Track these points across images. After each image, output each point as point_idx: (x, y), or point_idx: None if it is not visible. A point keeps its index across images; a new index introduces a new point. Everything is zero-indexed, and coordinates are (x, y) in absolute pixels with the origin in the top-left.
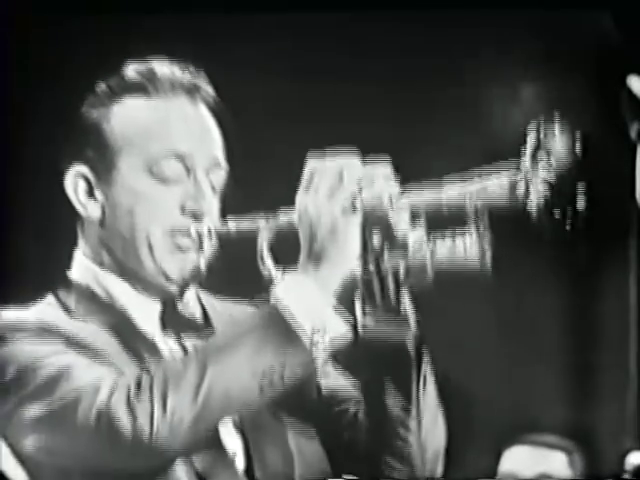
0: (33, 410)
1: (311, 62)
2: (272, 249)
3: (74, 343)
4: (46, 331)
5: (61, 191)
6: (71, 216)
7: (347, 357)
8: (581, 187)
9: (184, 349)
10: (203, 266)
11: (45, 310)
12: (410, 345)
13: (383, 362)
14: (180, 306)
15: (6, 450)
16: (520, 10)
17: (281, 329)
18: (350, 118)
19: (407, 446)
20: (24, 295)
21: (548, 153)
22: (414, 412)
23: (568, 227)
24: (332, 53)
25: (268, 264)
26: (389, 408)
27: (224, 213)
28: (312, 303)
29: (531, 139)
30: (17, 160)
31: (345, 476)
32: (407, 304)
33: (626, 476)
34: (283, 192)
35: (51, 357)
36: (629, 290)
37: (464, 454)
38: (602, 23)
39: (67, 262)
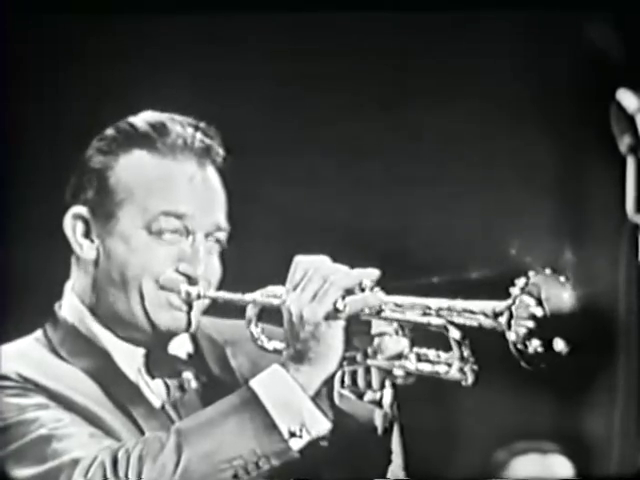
0: (14, 469)
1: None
2: (260, 319)
3: (56, 395)
4: (28, 381)
5: (56, 225)
6: (66, 250)
7: None
8: (565, 329)
9: (168, 390)
10: (192, 324)
11: (30, 348)
12: (380, 427)
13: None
14: (167, 349)
15: None
16: (505, 23)
17: (258, 418)
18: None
19: None
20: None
21: (539, 289)
22: None
23: (542, 365)
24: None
25: (255, 334)
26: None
27: (224, 270)
28: (292, 399)
29: (527, 274)
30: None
31: None
32: (387, 394)
33: None
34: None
35: (33, 412)
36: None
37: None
38: (592, 37)
39: (58, 295)
